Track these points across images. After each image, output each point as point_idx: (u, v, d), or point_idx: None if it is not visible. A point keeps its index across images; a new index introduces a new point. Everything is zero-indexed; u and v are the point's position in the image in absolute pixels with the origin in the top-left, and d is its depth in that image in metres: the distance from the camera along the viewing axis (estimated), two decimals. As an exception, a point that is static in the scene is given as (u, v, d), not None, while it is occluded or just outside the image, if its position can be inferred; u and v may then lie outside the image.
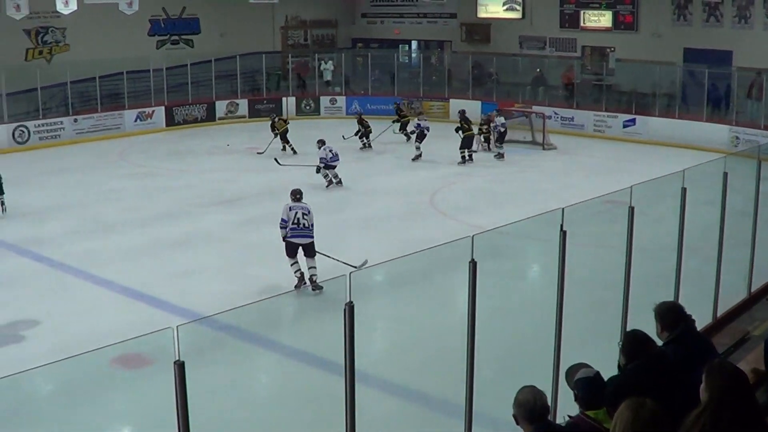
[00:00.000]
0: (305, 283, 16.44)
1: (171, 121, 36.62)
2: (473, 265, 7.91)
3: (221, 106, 38.34)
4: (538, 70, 38.36)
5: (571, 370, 6.82)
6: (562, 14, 39.35)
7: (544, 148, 31.32)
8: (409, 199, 23.67)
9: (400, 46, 45.02)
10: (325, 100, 39.42)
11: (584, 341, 10.66)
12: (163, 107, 36.83)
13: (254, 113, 38.46)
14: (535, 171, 27.88)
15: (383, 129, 32.19)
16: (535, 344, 10.82)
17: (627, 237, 10.24)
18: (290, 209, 16.73)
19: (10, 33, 34.65)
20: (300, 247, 16.62)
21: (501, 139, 29.92)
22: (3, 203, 22.26)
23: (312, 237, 16.66)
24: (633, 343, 6.85)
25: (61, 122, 34.22)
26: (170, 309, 15.52)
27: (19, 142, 32.65)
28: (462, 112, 29.51)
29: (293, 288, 16.37)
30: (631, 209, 10.07)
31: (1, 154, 30.05)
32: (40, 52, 37.39)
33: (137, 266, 18.04)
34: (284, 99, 38.90)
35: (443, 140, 29.45)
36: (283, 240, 16.71)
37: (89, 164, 29.35)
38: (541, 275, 16.38)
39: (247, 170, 27.77)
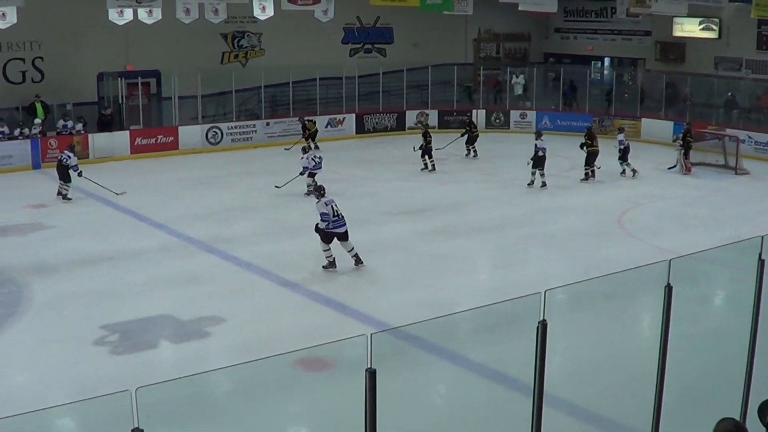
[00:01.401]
0: (335, 267, 18.25)
1: (361, 129, 37.01)
2: (668, 289, 7.68)
3: (411, 116, 38.48)
4: (729, 93, 37.20)
5: (765, 406, 6.53)
6: (759, 35, 38.09)
7: (736, 173, 30.26)
8: (595, 218, 23.26)
9: (593, 62, 44.43)
10: (515, 114, 39.14)
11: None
12: (354, 115, 37.29)
13: (444, 124, 38.50)
14: (726, 195, 26.99)
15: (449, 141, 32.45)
16: (725, 375, 10.45)
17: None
18: (326, 204, 18.23)
19: (207, 36, 35.62)
20: (335, 236, 18.25)
21: (623, 156, 28.97)
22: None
23: (346, 224, 18.33)
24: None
25: (254, 125, 35.02)
26: (351, 314, 15.63)
27: (212, 143, 33.55)
28: (589, 128, 29.38)
29: (322, 268, 18.24)
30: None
31: (195, 153, 30.84)
32: (236, 56, 38.31)
33: (321, 270, 18.22)
34: (474, 111, 38.75)
35: (634, 160, 28.85)
36: (323, 231, 18.19)
37: (278, 168, 29.84)
38: (733, 304, 15.85)
39: (432, 181, 27.78)
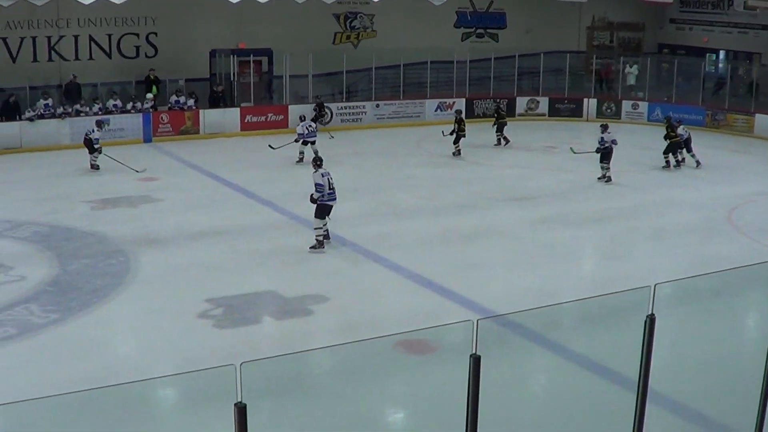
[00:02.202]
0: (323, 248, 18.36)
1: (470, 114, 36.77)
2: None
3: (521, 103, 38.22)
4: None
5: None
6: None
7: None
8: (704, 213, 22.76)
9: (708, 54, 43.49)
10: (627, 105, 38.47)
11: None
12: (464, 99, 37.08)
13: (554, 112, 38.19)
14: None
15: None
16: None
17: None
18: (322, 175, 18.38)
19: (320, 17, 35.84)
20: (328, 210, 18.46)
21: (687, 147, 27.95)
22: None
23: (337, 199, 18.60)
24: None
25: (364, 106, 35.14)
26: (455, 299, 15.54)
27: (321, 123, 33.66)
28: (668, 118, 28.91)
29: (308, 249, 18.26)
30: None
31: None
32: (348, 37, 38.41)
33: (426, 254, 18.20)
34: (585, 100, 38.37)
35: (745, 155, 28.24)
36: (318, 202, 18.32)
37: (387, 150, 29.93)
38: None
39: (543, 168, 27.52)
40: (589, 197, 23.70)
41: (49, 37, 32.34)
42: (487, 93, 37.97)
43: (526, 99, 38.36)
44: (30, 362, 13.03)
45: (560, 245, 19.07)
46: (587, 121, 37.30)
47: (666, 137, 27.64)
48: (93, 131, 25.89)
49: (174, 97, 32.42)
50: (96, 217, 20.95)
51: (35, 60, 32.20)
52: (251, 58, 34.12)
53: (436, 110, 36.35)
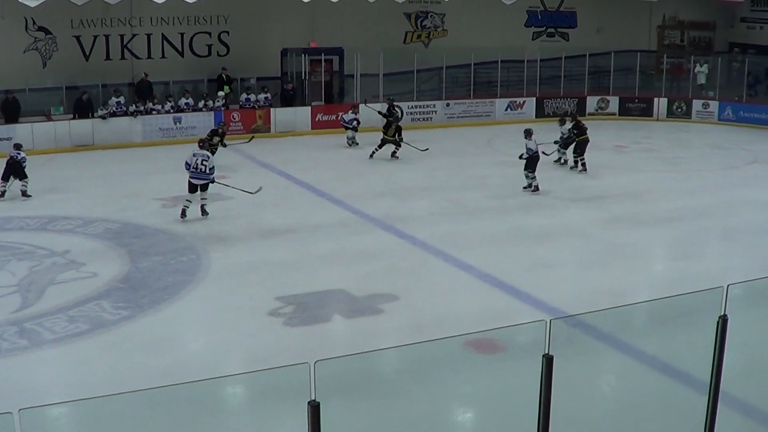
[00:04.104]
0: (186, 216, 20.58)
1: (541, 113, 36.65)
2: None
3: (592, 102, 37.95)
4: None
5: None
6: None
7: None
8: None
9: (779, 53, 42.87)
10: (697, 104, 37.97)
11: None
12: (534, 98, 36.99)
13: (624, 111, 37.83)
14: None
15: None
16: None
17: None
18: (193, 155, 20.72)
19: (391, 16, 35.95)
20: (198, 187, 20.66)
21: (564, 144, 27.02)
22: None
23: (208, 179, 20.74)
24: None
25: (434, 105, 35.15)
26: (524, 299, 15.47)
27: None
28: (573, 114, 28.39)
29: (180, 217, 20.48)
30: None
31: (374, 132, 31.08)
32: (419, 36, 38.48)
33: (497, 253, 18.14)
34: (656, 99, 37.96)
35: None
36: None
37: (457, 149, 29.92)
38: None
39: (613, 169, 27.28)
40: (659, 197, 23.46)
41: (122, 36, 32.76)
42: (558, 92, 37.80)
43: (596, 98, 38.07)
44: (101, 358, 13.19)
45: (631, 245, 18.91)
46: (657, 120, 37.01)
47: (573, 135, 26.89)
48: (19, 154, 23.11)
49: (245, 95, 32.68)
50: (167, 214, 21.16)
51: (108, 58, 32.63)
52: (322, 57, 34.27)
53: (506, 109, 36.27)
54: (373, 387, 9.86)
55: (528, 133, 23.76)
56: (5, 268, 17.10)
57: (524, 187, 23.74)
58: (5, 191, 22.91)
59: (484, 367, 11.88)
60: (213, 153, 22.86)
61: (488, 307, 15.03)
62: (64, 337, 13.82)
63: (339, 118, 31.68)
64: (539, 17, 41.27)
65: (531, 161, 23.58)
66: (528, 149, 23.46)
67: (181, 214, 20.50)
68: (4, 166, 23.10)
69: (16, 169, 22.94)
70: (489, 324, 12.34)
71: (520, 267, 17.24)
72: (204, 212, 20.79)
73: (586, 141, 26.56)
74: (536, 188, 23.59)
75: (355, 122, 30.38)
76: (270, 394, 7.64)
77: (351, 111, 30.77)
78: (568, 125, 26.82)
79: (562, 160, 27.41)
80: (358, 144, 29.75)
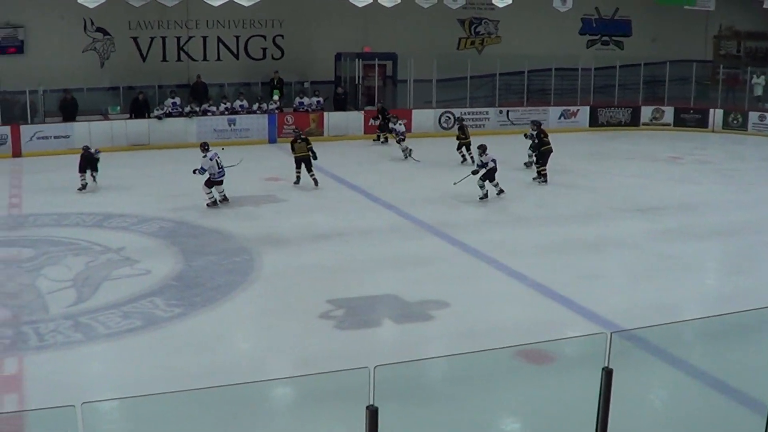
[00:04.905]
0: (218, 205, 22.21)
1: (594, 122, 36.55)
2: None
3: (646, 112, 37.75)
4: None
5: None
6: None
7: None
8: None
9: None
10: (753, 116, 37.60)
11: None
12: (588, 107, 36.92)
13: (679, 122, 37.57)
14: None
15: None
16: None
17: None
18: (210, 159, 21.95)
19: (445, 22, 36.04)
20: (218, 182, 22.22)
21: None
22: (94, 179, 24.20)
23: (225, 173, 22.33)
24: None
25: (487, 112, 35.19)
26: (575, 309, 15.38)
27: (444, 128, 33.88)
28: (538, 123, 27.35)
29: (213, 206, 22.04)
30: None
31: (427, 137, 31.10)
32: (472, 42, 38.59)
33: (548, 263, 18.04)
34: (711, 110, 37.67)
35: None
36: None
37: (509, 157, 29.81)
38: None
39: (667, 179, 27.11)
40: (713, 209, 23.27)
41: (178, 38, 33.12)
42: (612, 101, 37.63)
43: (651, 108, 37.86)
44: (153, 354, 13.32)
45: (683, 257, 18.76)
46: (713, 131, 36.76)
47: (534, 145, 26.40)
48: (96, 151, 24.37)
49: (298, 99, 32.85)
50: (221, 215, 21.35)
51: (164, 59, 33.01)
52: (376, 61, 34.42)
53: (559, 118, 36.17)
54: (423, 393, 9.90)
55: (483, 149, 23.26)
56: (62, 263, 17.35)
57: (480, 198, 23.26)
58: (87, 183, 23.79)
59: (533, 377, 11.85)
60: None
61: (538, 317, 14.96)
62: (117, 332, 13.98)
63: (391, 130, 30.84)
64: (594, 25, 41.18)
65: (489, 173, 23.18)
66: (484, 164, 23.08)
67: (214, 203, 22.24)
68: (80, 159, 24.01)
69: (90, 162, 23.95)
70: (538, 333, 12.32)
71: (570, 277, 17.14)
72: (226, 198, 22.50)
73: (549, 151, 25.98)
74: (501, 190, 23.60)
75: (404, 133, 29.87)
76: (325, 398, 7.68)
77: (399, 122, 30.32)
78: (532, 133, 26.48)
79: (530, 163, 27.24)
80: (412, 152, 29.09)
